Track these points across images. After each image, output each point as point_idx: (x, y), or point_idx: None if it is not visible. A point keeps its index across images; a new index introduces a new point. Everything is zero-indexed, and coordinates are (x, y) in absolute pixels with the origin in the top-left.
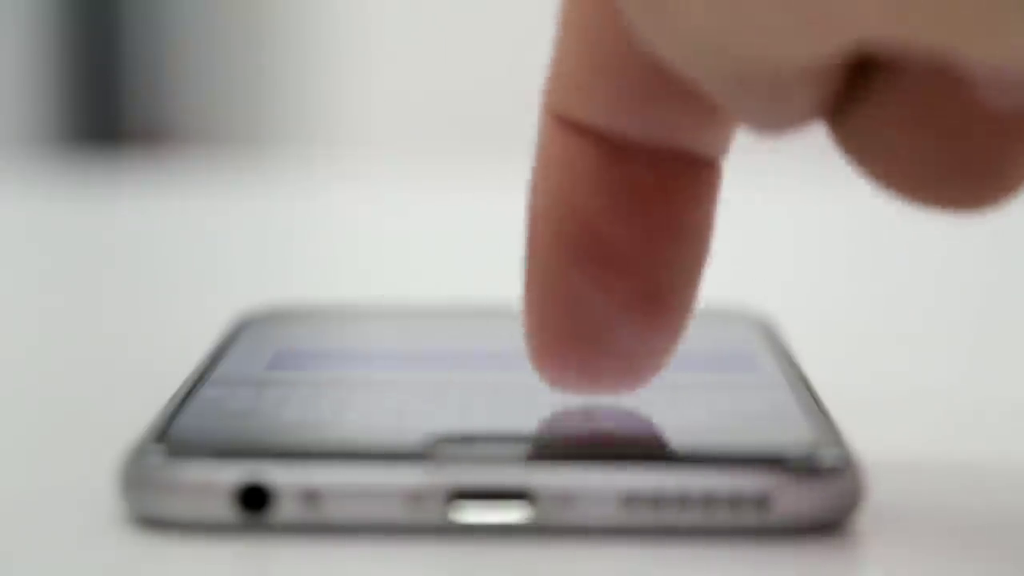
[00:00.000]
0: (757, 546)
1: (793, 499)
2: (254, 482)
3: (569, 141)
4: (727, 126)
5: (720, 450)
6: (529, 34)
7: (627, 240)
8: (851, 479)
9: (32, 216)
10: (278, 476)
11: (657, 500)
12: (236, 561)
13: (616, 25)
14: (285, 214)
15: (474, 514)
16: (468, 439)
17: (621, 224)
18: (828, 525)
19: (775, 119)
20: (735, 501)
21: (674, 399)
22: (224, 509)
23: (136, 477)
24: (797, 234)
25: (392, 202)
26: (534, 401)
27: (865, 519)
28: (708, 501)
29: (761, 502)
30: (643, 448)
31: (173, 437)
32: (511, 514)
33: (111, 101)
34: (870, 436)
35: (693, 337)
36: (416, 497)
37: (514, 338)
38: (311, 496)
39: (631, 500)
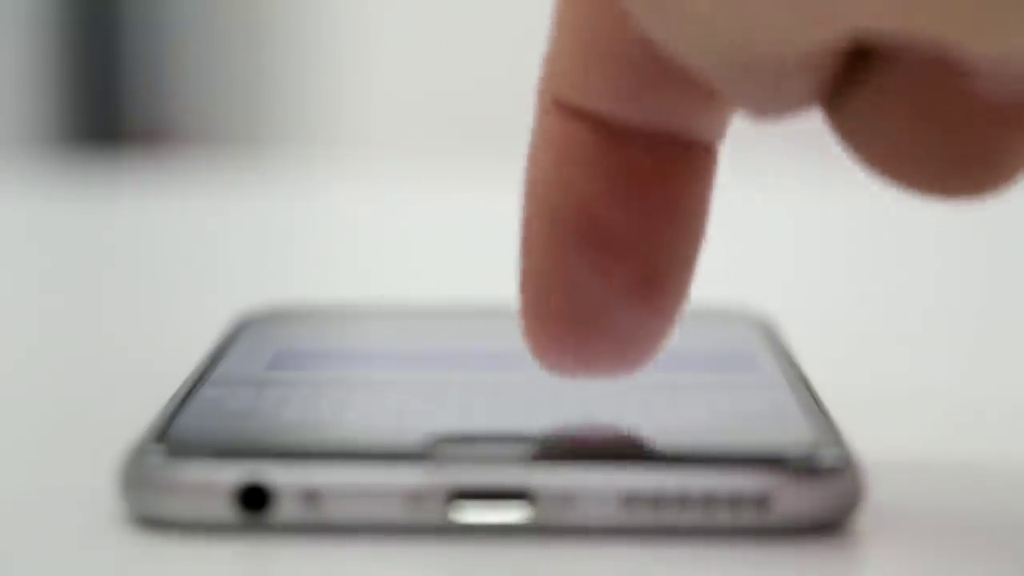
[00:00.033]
0: (757, 546)
1: (793, 499)
2: (254, 482)
3: (566, 125)
4: (724, 111)
5: (720, 450)
6: (529, 34)
7: (624, 224)
8: (851, 479)
9: (32, 216)
10: (278, 476)
11: (657, 500)
12: (236, 561)
13: (613, 10)
14: (285, 214)
15: (474, 514)
16: (468, 439)
17: (618, 208)
18: (828, 525)
19: (773, 104)
20: (735, 501)
21: (674, 399)
22: (224, 509)
23: (136, 477)
24: (797, 234)
25: (392, 202)
26: (534, 401)
27: (865, 519)
28: (708, 501)
29: (761, 502)
30: (643, 448)
31: (173, 437)
32: (511, 514)
33: (111, 101)
34: (870, 436)
35: (693, 337)
36: (416, 497)
37: (514, 338)
38: (311, 496)
39: (631, 500)
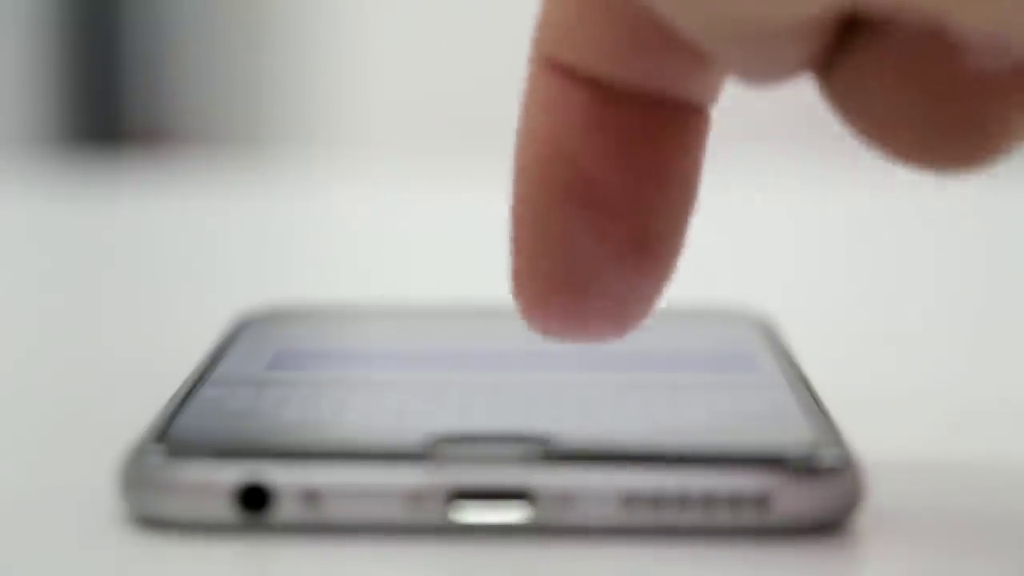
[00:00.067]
0: (757, 546)
1: (793, 499)
2: (254, 482)
3: (559, 84)
4: (717, 73)
5: (720, 450)
6: (528, 34)
7: (616, 184)
8: (851, 479)
9: (32, 216)
10: (278, 476)
11: (657, 500)
12: (236, 561)
13: None
14: (285, 214)
15: (474, 514)
16: (468, 439)
17: (610, 168)
18: (828, 525)
19: (765, 71)
20: (735, 501)
21: (674, 399)
22: (224, 509)
23: (136, 477)
24: (797, 234)
25: (392, 202)
26: (534, 401)
27: (865, 519)
28: (708, 501)
29: (761, 502)
30: (643, 448)
31: (173, 437)
32: (511, 514)
33: (111, 101)
34: (870, 436)
35: (693, 337)
36: (416, 497)
37: (514, 338)
38: (311, 496)
39: (631, 500)
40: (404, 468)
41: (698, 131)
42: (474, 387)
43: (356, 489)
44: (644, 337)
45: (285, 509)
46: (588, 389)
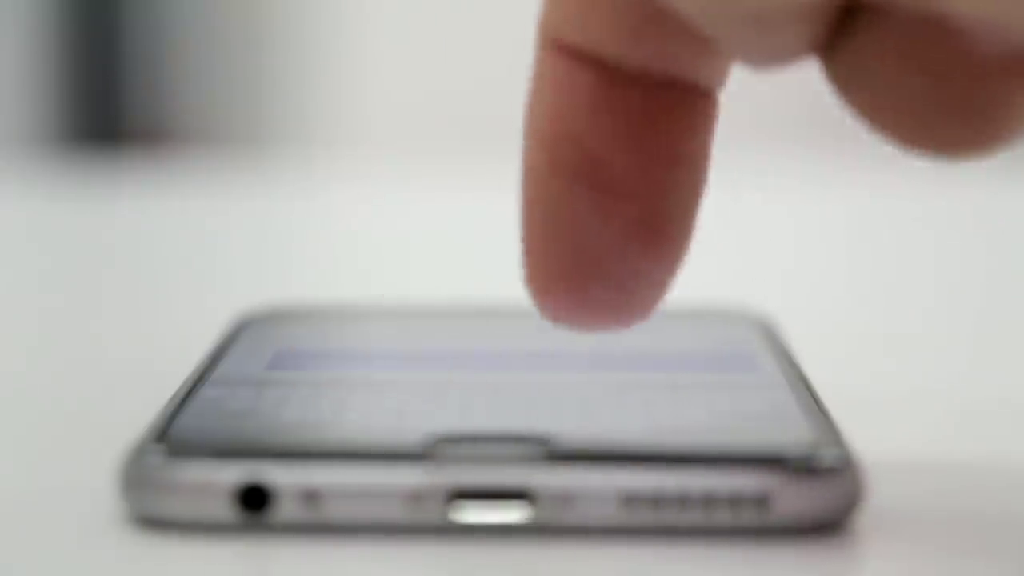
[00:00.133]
0: (757, 546)
1: (793, 499)
2: (254, 482)
3: (566, 65)
4: (722, 57)
5: (720, 450)
6: (529, 35)
7: (624, 165)
8: (851, 479)
9: (32, 216)
10: (278, 476)
11: (657, 500)
12: (236, 561)
13: None
14: (285, 214)
15: (474, 514)
16: (468, 439)
17: (618, 148)
18: (828, 525)
19: (767, 54)
20: (735, 501)
21: (674, 399)
22: (224, 509)
23: (136, 477)
24: (797, 234)
25: (392, 202)
26: (534, 401)
27: (865, 519)
28: (708, 501)
29: (761, 502)
30: (643, 448)
31: (173, 437)
32: (511, 514)
33: (111, 101)
34: (870, 436)
35: (693, 337)
36: (416, 497)
37: (514, 338)
38: (311, 496)
39: (631, 500)
40: (404, 468)
41: (706, 114)
42: (474, 387)
43: (356, 489)
44: (644, 337)
45: (285, 509)
46: (588, 389)
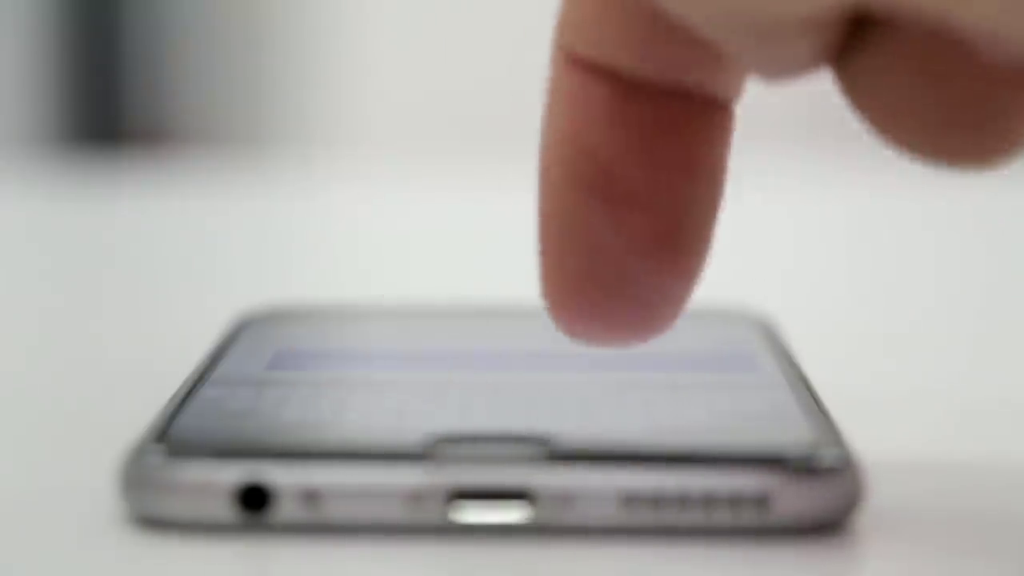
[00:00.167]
0: (757, 546)
1: (793, 499)
2: (254, 482)
3: (581, 79)
4: (735, 69)
5: (720, 450)
6: (529, 34)
7: (640, 178)
8: (851, 479)
9: (32, 216)
10: (278, 476)
11: (657, 500)
12: (236, 561)
13: None
14: (285, 214)
15: (474, 514)
16: (468, 439)
17: (634, 161)
18: (828, 525)
19: (779, 66)
20: (735, 501)
21: (674, 399)
22: (224, 509)
23: (136, 477)
24: (797, 234)
25: (392, 202)
26: (534, 401)
27: (865, 519)
28: (708, 501)
29: (761, 502)
30: (643, 448)
31: (173, 437)
32: (511, 514)
33: (111, 101)
34: (870, 436)
35: (693, 337)
36: (416, 497)
37: (514, 338)
38: (311, 496)
39: (631, 500)
40: (404, 468)
41: (721, 127)
42: (474, 387)
43: (356, 489)
44: None
45: (285, 509)
46: (588, 389)
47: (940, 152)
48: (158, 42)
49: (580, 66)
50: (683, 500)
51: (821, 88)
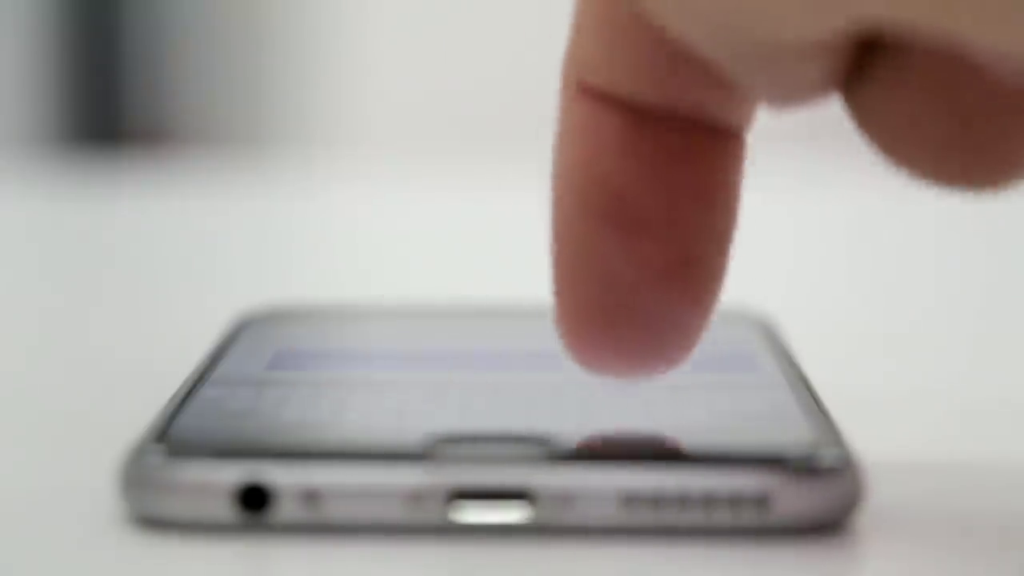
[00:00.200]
0: (757, 546)
1: (793, 499)
2: (254, 482)
3: (591, 108)
4: (748, 97)
5: (720, 450)
6: (529, 34)
7: (653, 205)
8: (851, 479)
9: (32, 216)
10: (278, 476)
11: (657, 500)
12: (236, 561)
13: None
14: (285, 214)
15: (474, 514)
16: (468, 439)
17: (646, 189)
18: (828, 525)
19: (786, 92)
20: (735, 501)
21: (674, 399)
22: (224, 509)
23: (136, 477)
24: (797, 234)
25: (392, 202)
26: (534, 401)
27: (865, 519)
28: (708, 501)
29: (761, 502)
30: (643, 448)
31: (173, 437)
32: (511, 514)
33: (111, 101)
34: (870, 436)
35: None
36: (416, 497)
37: (514, 338)
38: (311, 496)
39: (631, 500)
40: (404, 468)
41: (733, 155)
42: (474, 387)
43: (356, 489)
44: None
45: (285, 509)
46: (588, 389)
47: (949, 175)
48: (158, 42)
49: (590, 95)
50: (683, 500)
51: None
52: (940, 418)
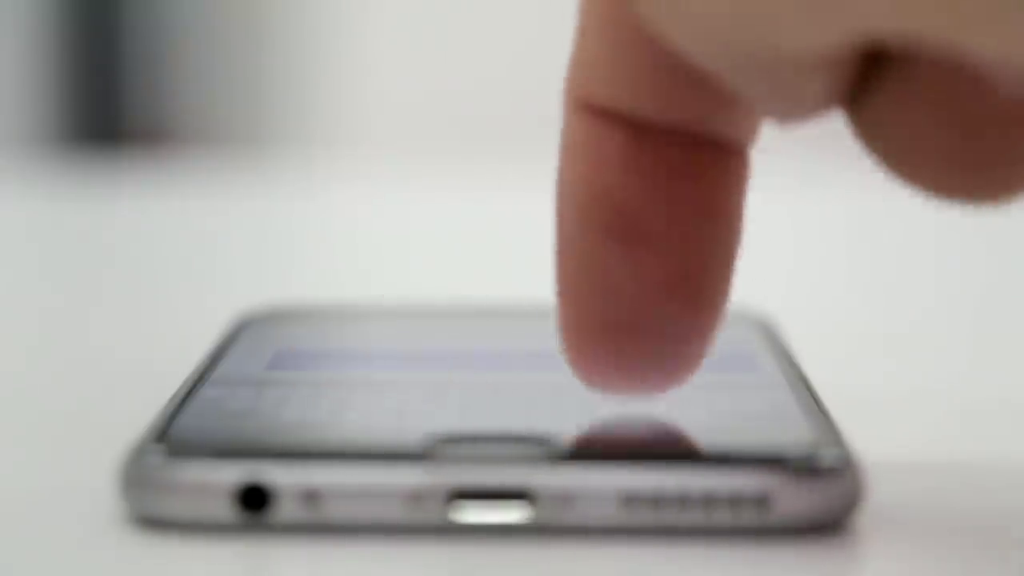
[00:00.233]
0: (757, 546)
1: (793, 499)
2: (254, 482)
3: (594, 125)
4: (751, 113)
5: (720, 450)
6: (529, 34)
7: (655, 221)
8: (851, 479)
9: (32, 216)
10: (278, 476)
11: (657, 500)
12: (236, 561)
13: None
14: (285, 214)
15: (474, 514)
16: (468, 439)
17: (649, 205)
18: (828, 525)
19: (789, 107)
20: (735, 501)
21: (674, 399)
22: (224, 509)
23: (136, 477)
24: (797, 234)
25: (392, 202)
26: (534, 401)
27: (865, 519)
28: (708, 501)
29: (761, 502)
30: (643, 448)
31: (173, 437)
32: (511, 514)
33: (111, 101)
34: (870, 436)
35: None
36: (416, 497)
37: (514, 338)
38: (311, 496)
39: (631, 500)
40: (404, 468)
41: (737, 171)
42: (474, 387)
43: (356, 489)
44: None
45: (285, 509)
46: (587, 389)
47: (953, 188)
48: (158, 42)
49: (593, 112)
50: (683, 500)
51: None
52: (940, 418)
